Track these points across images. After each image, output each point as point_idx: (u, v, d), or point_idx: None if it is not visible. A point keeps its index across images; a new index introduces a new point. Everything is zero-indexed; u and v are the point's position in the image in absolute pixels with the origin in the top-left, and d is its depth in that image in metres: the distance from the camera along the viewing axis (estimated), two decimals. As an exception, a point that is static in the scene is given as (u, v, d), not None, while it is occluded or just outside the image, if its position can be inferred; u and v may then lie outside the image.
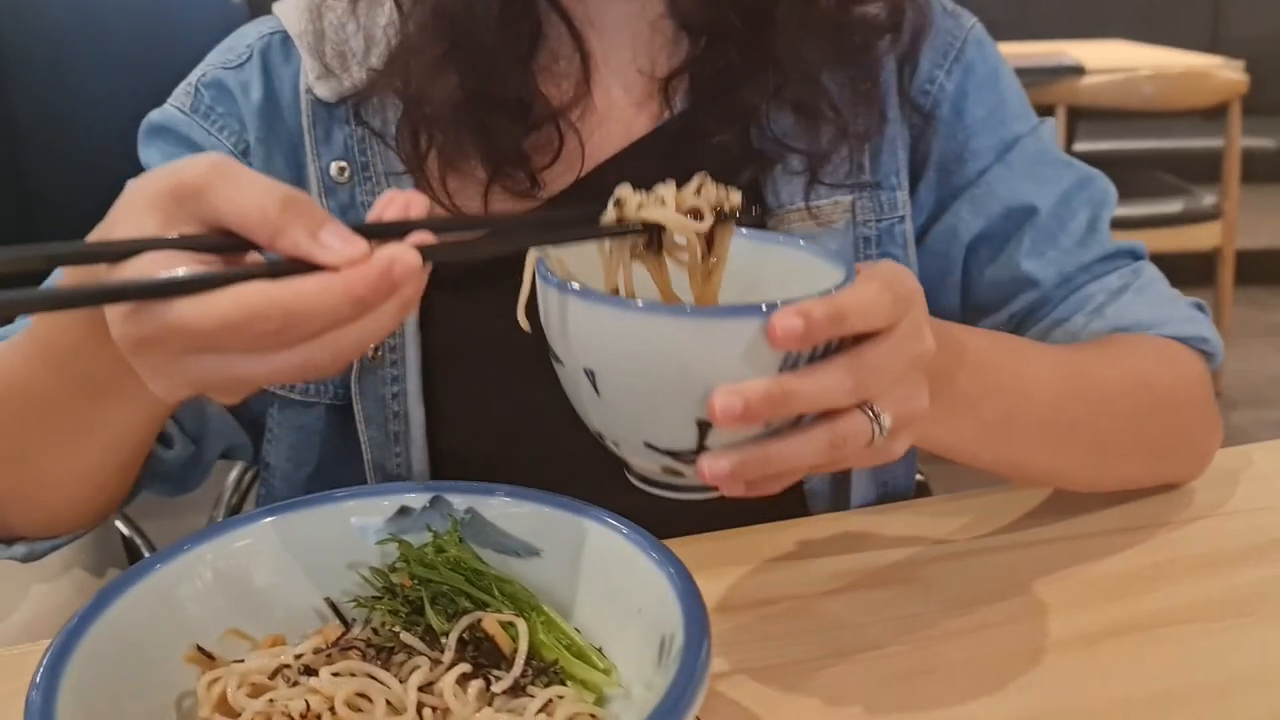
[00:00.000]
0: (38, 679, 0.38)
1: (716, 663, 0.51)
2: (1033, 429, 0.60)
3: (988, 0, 3.98)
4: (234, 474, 0.90)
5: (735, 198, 0.47)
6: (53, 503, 0.60)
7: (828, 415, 0.44)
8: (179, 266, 0.37)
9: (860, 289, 0.43)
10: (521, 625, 0.45)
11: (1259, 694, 0.51)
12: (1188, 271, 3.15)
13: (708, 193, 0.46)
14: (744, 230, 0.49)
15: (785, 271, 0.49)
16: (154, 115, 0.69)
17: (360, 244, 0.37)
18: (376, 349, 0.66)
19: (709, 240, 0.47)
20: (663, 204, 0.46)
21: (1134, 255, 0.73)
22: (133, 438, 0.57)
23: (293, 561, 0.49)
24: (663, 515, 0.49)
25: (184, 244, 0.38)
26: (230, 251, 0.39)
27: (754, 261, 0.49)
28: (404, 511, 0.50)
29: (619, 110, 0.68)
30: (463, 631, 0.45)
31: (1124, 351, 0.68)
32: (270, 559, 0.48)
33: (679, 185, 0.46)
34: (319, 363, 0.38)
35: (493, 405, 0.68)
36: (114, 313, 0.38)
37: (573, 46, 0.65)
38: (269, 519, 0.49)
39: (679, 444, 0.44)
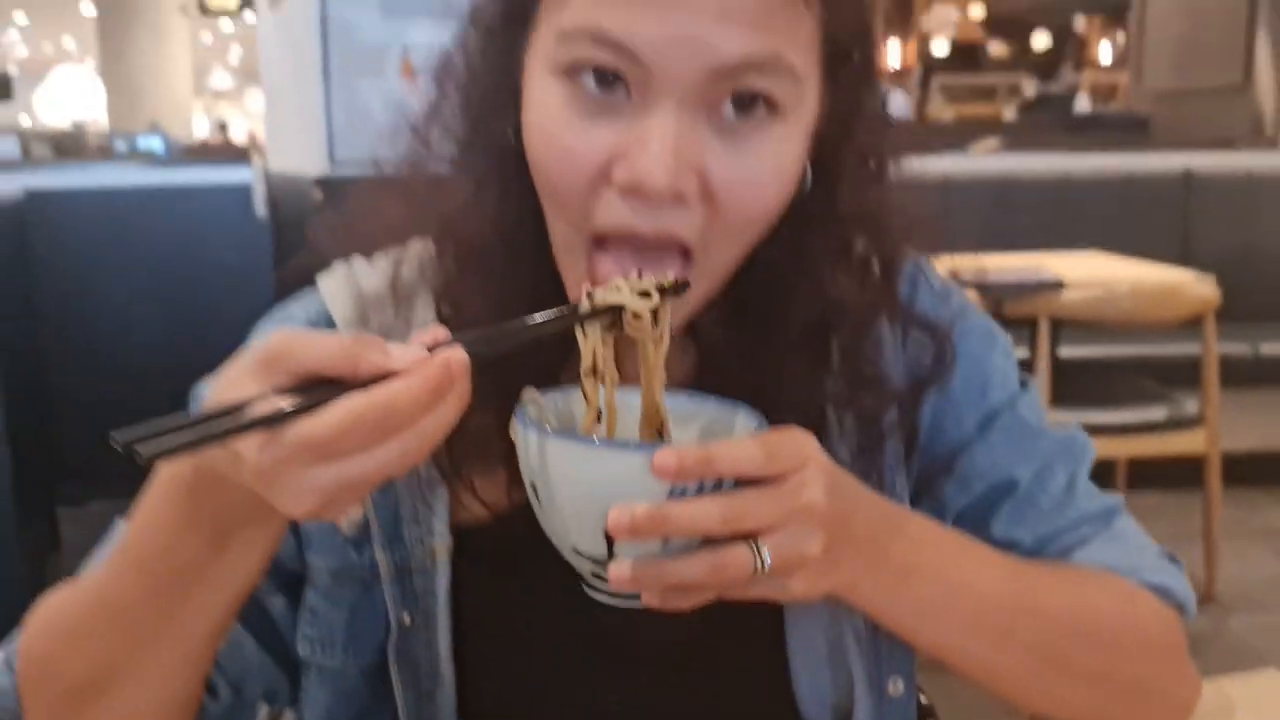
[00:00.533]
0: None
1: None
2: (970, 619, 0.64)
3: (971, 214, 4.20)
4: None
5: (671, 276, 0.59)
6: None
7: (714, 543, 0.53)
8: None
9: (736, 442, 0.53)
10: None
11: None
12: (1176, 476, 3.25)
13: (648, 279, 0.59)
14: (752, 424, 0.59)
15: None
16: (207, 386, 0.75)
17: (422, 350, 0.49)
18: (413, 616, 0.70)
19: (654, 315, 0.58)
20: (619, 290, 0.58)
21: (1110, 513, 0.75)
22: (213, 629, 0.61)
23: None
24: None
25: (284, 391, 0.48)
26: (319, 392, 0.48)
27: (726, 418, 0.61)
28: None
29: None
30: None
31: (1079, 577, 0.71)
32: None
33: None
34: (412, 450, 0.48)
35: (522, 672, 0.71)
36: (249, 447, 0.47)
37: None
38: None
39: (594, 551, 0.55)
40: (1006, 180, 3.93)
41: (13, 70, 16.78)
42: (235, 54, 21.48)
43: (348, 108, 2.08)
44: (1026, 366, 2.36)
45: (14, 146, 5.24)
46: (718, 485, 0.53)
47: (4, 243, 2.70)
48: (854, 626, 0.73)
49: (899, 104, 6.62)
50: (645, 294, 0.58)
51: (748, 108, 0.59)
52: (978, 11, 10.80)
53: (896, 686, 0.74)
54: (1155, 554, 0.75)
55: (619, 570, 0.53)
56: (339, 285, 0.74)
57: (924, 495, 0.75)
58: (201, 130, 16.84)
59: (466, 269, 0.68)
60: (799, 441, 0.55)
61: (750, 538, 0.53)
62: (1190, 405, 2.84)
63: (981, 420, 0.74)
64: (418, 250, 0.72)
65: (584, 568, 0.56)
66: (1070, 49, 8.20)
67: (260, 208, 2.77)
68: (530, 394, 0.59)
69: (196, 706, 0.66)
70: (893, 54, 10.70)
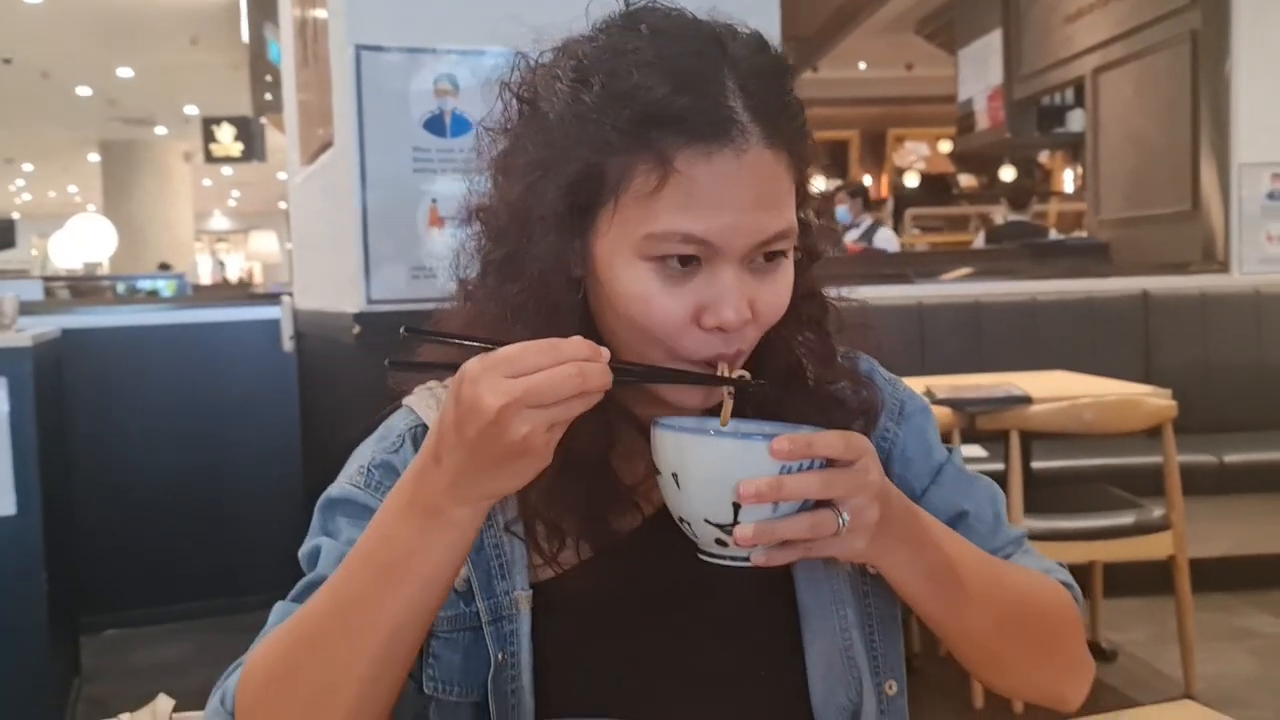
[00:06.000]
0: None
1: None
2: (961, 585, 0.85)
3: (947, 336, 4.42)
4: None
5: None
6: None
7: (810, 511, 0.74)
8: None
9: (826, 434, 0.75)
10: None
11: None
12: (1151, 581, 3.40)
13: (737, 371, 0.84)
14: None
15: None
16: (334, 491, 0.90)
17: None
18: (505, 655, 0.87)
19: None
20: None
21: (1023, 538, 0.99)
22: (417, 621, 0.77)
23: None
24: None
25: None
26: None
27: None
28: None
29: None
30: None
31: (1021, 569, 0.94)
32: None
33: None
34: (576, 380, 0.68)
35: (591, 698, 0.87)
36: (470, 363, 0.70)
37: (639, 438, 0.89)
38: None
39: (723, 519, 0.74)
40: (977, 305, 4.17)
41: (15, 216, 17.21)
42: (234, 197, 22.07)
43: (380, 252, 2.30)
44: (999, 477, 2.53)
45: (38, 289, 5.45)
46: (810, 466, 0.73)
47: (43, 379, 2.88)
48: (858, 630, 0.93)
49: (887, 239, 6.91)
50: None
51: (772, 257, 0.84)
52: (946, 146, 11.33)
53: (892, 688, 0.95)
54: (1054, 563, 0.99)
55: (743, 530, 0.73)
56: (424, 398, 0.94)
57: None
58: (205, 270, 17.16)
59: None
60: (862, 439, 0.77)
61: (834, 507, 0.74)
62: (1157, 511, 2.99)
63: (932, 472, 0.98)
64: None
65: (710, 535, 0.75)
66: (1036, 180, 8.61)
67: (287, 343, 2.97)
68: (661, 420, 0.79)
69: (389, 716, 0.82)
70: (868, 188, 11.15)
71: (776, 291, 0.85)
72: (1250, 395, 4.17)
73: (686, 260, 0.81)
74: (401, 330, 0.75)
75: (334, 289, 2.58)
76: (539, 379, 0.68)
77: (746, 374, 0.80)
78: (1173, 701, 1.01)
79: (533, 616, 0.89)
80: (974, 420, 2.98)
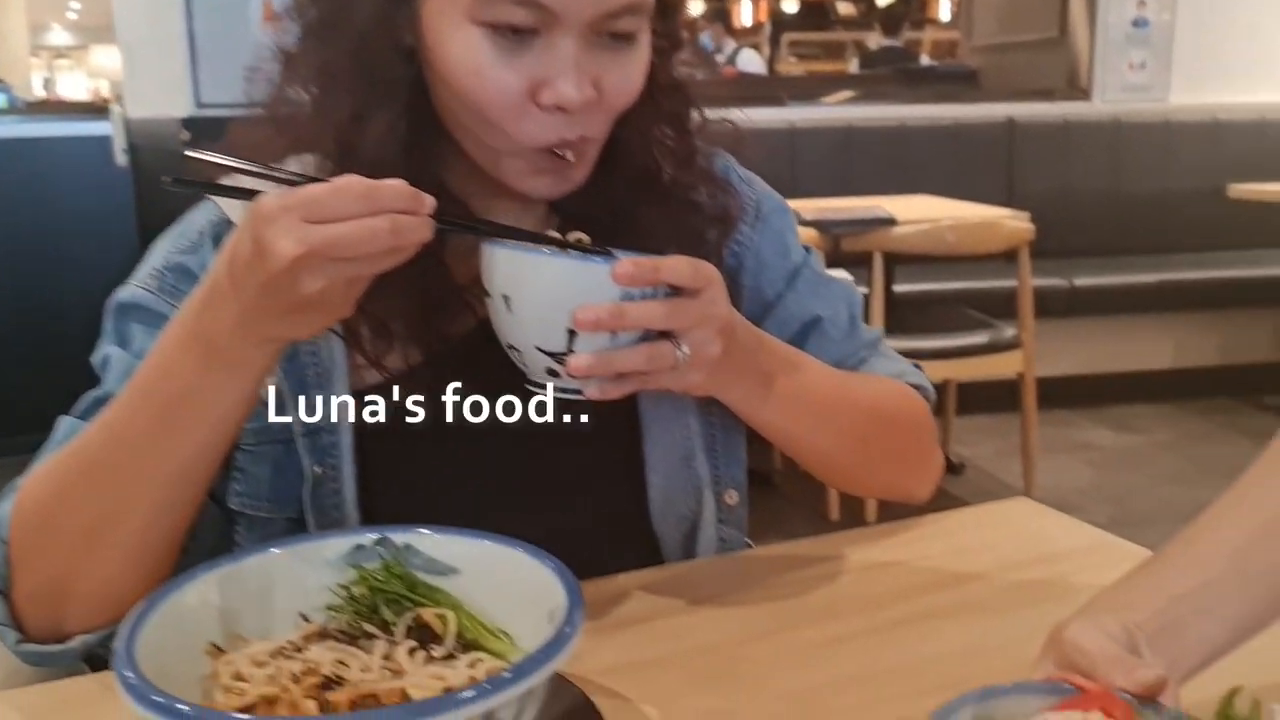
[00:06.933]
0: (119, 642, 0.55)
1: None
2: (810, 411, 0.85)
3: (817, 162, 4.41)
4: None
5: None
6: (119, 576, 0.73)
7: (648, 342, 0.69)
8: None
9: (673, 259, 0.70)
10: (450, 615, 0.64)
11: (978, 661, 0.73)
12: (999, 398, 3.56)
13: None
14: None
15: None
16: (123, 295, 0.84)
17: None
18: (323, 469, 0.83)
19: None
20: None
21: (877, 340, 0.98)
22: (202, 453, 0.72)
23: (277, 586, 0.66)
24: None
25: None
26: None
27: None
28: (359, 548, 0.69)
29: None
30: (408, 622, 0.64)
31: (871, 380, 0.94)
32: (260, 584, 0.66)
33: None
34: (387, 235, 0.60)
35: (420, 512, 0.81)
36: (267, 195, 0.61)
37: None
38: (258, 555, 0.67)
39: (556, 347, 0.69)
40: (849, 129, 4.16)
41: None
42: (73, 9, 20.35)
43: (210, 53, 2.13)
44: (863, 299, 2.57)
45: None
46: (654, 295, 0.69)
47: None
48: (700, 440, 0.91)
49: (751, 60, 6.80)
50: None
51: (619, 35, 0.77)
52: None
53: (732, 497, 0.94)
54: (909, 365, 0.99)
55: (578, 360, 0.68)
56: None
57: None
58: (39, 89, 15.94)
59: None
60: (710, 267, 0.72)
61: (673, 339, 0.70)
62: (1009, 331, 3.12)
63: (788, 275, 0.95)
64: (295, 167, 0.82)
65: (541, 364, 0.70)
66: (913, 7, 8.55)
67: (120, 156, 2.77)
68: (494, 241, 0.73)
69: (180, 546, 0.77)
70: (745, 12, 10.94)
71: (626, 74, 0.78)
72: (1105, 221, 4.30)
73: (522, 32, 0.74)
74: (166, 179, 0.64)
75: (163, 94, 2.39)
76: (344, 230, 0.60)
77: (585, 236, 0.74)
78: (1008, 499, 1.03)
79: (355, 427, 0.84)
80: (839, 242, 3.02)
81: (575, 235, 0.73)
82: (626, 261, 0.67)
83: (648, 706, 0.68)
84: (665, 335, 0.71)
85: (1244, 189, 3.82)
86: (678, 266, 0.70)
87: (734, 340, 0.75)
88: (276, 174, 0.67)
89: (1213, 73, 4.46)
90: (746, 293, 0.94)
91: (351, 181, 0.61)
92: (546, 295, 0.68)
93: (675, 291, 0.70)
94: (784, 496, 3.19)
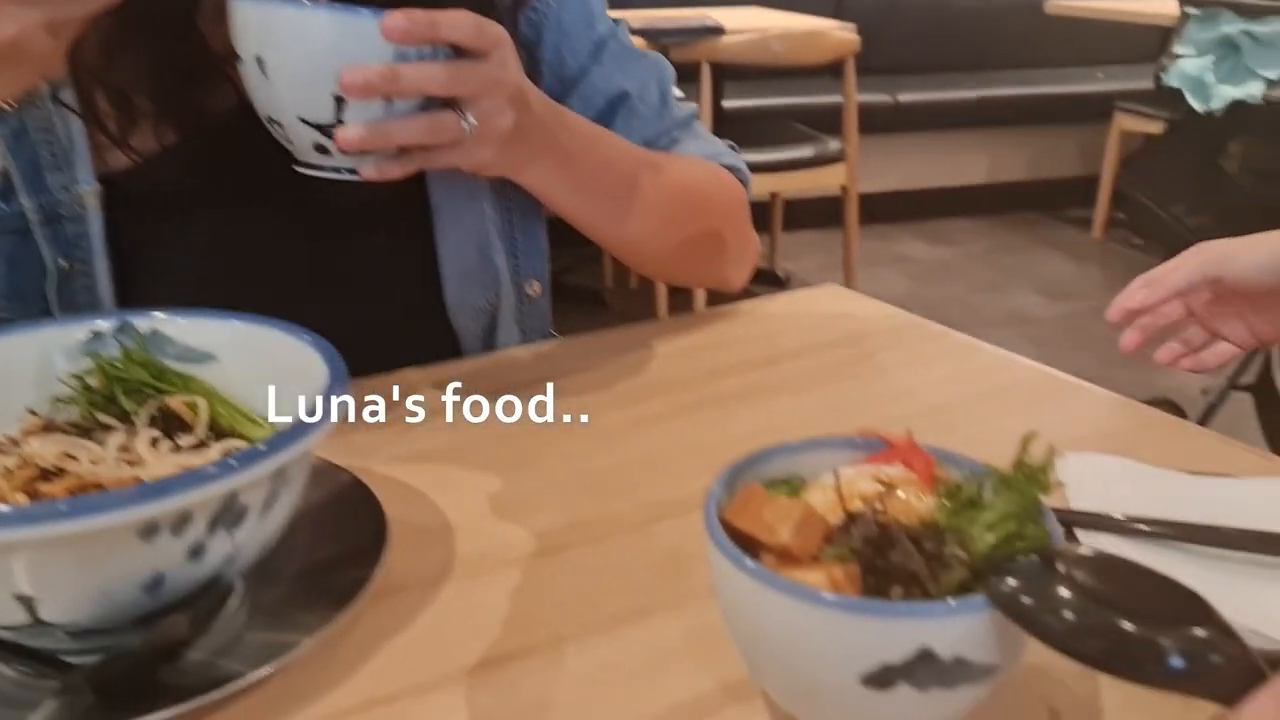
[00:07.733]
0: None
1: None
2: (613, 192, 0.79)
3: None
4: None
5: None
6: None
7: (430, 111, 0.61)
8: None
9: (454, 12, 0.61)
10: (202, 402, 0.57)
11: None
12: (824, 213, 3.60)
13: None
14: None
15: None
16: None
17: None
18: (71, 263, 0.73)
19: None
20: None
21: (691, 118, 0.92)
22: None
23: (-5, 378, 0.57)
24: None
25: None
26: None
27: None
28: (97, 335, 0.60)
29: None
30: (152, 412, 0.56)
31: (682, 161, 0.87)
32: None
33: None
34: None
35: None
36: None
37: None
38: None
39: (322, 118, 0.60)
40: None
41: None
42: None
43: None
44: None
45: None
46: (433, 56, 0.60)
47: None
48: (497, 227, 0.84)
49: None
50: None
51: None
52: None
53: (535, 288, 0.88)
54: (724, 146, 0.93)
55: (347, 132, 0.59)
56: None
57: None
58: None
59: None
60: (498, 28, 0.63)
61: (457, 109, 0.62)
62: (834, 145, 3.12)
63: (593, 48, 0.87)
64: None
65: (307, 139, 0.61)
66: None
67: None
68: None
69: None
70: None
71: None
72: (931, 37, 4.33)
73: None
74: None
75: None
76: None
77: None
78: (820, 285, 1.01)
79: (105, 215, 0.74)
80: (668, 53, 2.92)
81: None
82: (399, 14, 0.58)
83: (438, 495, 0.64)
84: (449, 105, 0.63)
85: (1059, 5, 3.86)
86: (460, 21, 0.61)
87: (528, 112, 0.67)
88: None
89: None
90: (546, 67, 0.86)
91: None
92: (306, 55, 0.59)
93: (458, 54, 0.62)
94: (614, 312, 3.17)
